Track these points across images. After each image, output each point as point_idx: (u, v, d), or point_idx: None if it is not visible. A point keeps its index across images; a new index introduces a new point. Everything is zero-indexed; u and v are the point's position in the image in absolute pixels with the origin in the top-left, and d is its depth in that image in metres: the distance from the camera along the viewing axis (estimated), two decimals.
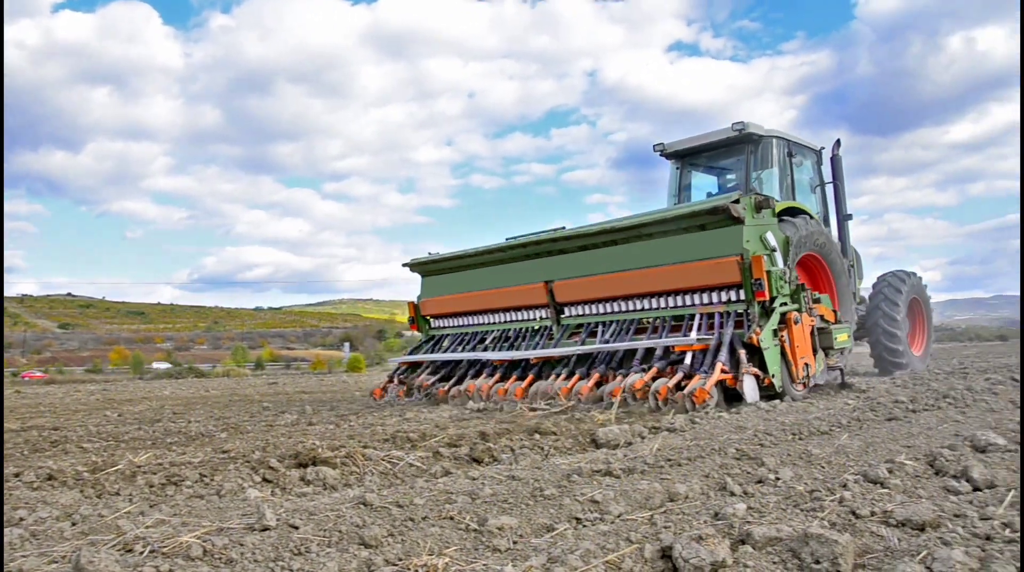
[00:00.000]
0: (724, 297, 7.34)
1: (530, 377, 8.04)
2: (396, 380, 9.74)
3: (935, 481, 3.11)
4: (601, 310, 8.37)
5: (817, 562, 2.06)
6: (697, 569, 2.07)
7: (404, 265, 10.48)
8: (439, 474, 3.94)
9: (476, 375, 8.72)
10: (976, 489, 2.96)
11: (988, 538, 2.27)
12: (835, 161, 10.64)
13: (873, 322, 10.62)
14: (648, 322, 8.06)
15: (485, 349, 9.26)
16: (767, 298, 6.99)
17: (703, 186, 11.04)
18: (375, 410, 8.07)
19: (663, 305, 7.83)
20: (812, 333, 7.48)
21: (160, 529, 2.61)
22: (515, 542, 2.45)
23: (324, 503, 3.04)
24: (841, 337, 7.97)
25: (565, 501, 2.88)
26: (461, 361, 9.07)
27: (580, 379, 7.55)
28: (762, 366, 6.91)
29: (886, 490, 2.93)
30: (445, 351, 9.60)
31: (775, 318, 7.03)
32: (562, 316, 8.76)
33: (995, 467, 3.22)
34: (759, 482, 3.23)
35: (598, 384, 7.39)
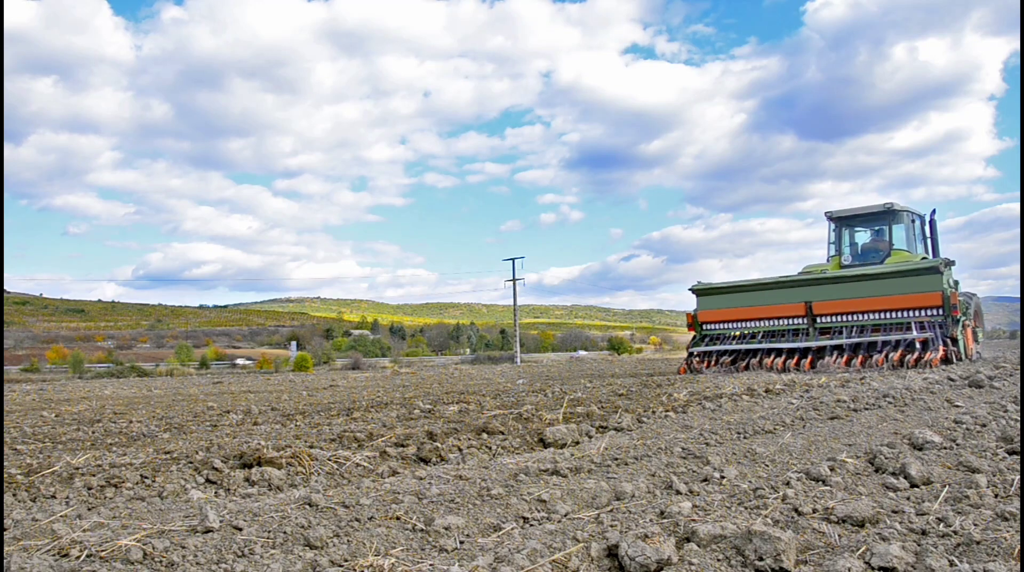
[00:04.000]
0: (930, 313, 12.60)
1: (810, 357, 12.98)
2: (694, 361, 14.40)
3: (875, 478, 3.19)
4: (845, 319, 13.34)
5: (760, 559, 2.09)
6: (643, 567, 2.08)
7: (690, 289, 15.22)
8: (386, 474, 3.91)
9: (754, 358, 13.72)
10: (913, 485, 3.04)
11: (924, 533, 2.33)
12: (932, 223, 15.76)
13: None
14: (879, 327, 13.05)
15: (759, 343, 14.23)
16: (959, 314, 12.53)
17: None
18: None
19: (891, 317, 12.93)
20: (971, 332, 13.93)
21: (98, 533, 2.53)
22: (462, 542, 2.44)
23: (269, 504, 2.98)
24: (981, 335, 15.37)
25: (512, 500, 2.88)
26: (739, 350, 14.08)
27: (851, 358, 12.52)
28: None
29: (828, 487, 2.99)
30: (723, 344, 14.56)
31: (960, 324, 12.75)
32: (816, 322, 13.59)
33: (931, 464, 3.31)
34: (704, 481, 3.27)
35: (863, 362, 12.27)
